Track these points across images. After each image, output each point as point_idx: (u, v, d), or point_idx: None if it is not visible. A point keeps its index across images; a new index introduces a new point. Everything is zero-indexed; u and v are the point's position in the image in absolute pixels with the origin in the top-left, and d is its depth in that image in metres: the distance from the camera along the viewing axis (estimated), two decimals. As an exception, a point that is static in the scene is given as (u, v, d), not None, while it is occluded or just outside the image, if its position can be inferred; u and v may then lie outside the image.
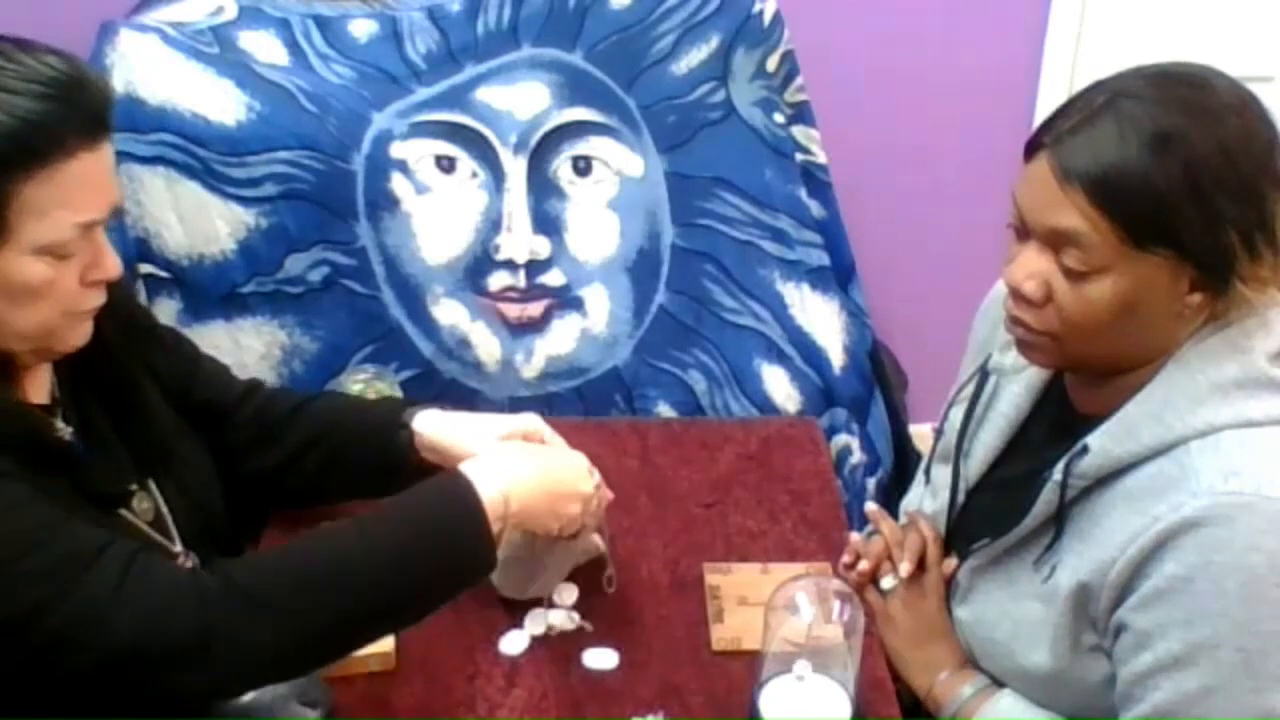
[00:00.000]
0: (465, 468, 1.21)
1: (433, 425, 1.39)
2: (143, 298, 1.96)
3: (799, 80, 2.16)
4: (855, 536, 1.45)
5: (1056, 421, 1.27)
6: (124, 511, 1.26)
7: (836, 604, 1.23)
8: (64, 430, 1.23)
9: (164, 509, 1.31)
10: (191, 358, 1.48)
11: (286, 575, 1.12)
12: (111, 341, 1.26)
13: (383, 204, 2.00)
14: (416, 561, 1.14)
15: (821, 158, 2.21)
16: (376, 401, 1.64)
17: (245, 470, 1.45)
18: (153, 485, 1.31)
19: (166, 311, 1.98)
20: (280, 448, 1.45)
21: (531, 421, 1.39)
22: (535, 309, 2.07)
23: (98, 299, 1.18)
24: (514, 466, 1.24)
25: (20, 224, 1.08)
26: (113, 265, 1.17)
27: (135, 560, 1.09)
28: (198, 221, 1.96)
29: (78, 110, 1.10)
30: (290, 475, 1.46)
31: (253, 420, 1.47)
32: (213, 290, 1.99)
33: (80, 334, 1.20)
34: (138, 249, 1.96)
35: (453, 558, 1.17)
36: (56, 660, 1.05)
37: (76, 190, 1.10)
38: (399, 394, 1.69)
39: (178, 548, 1.31)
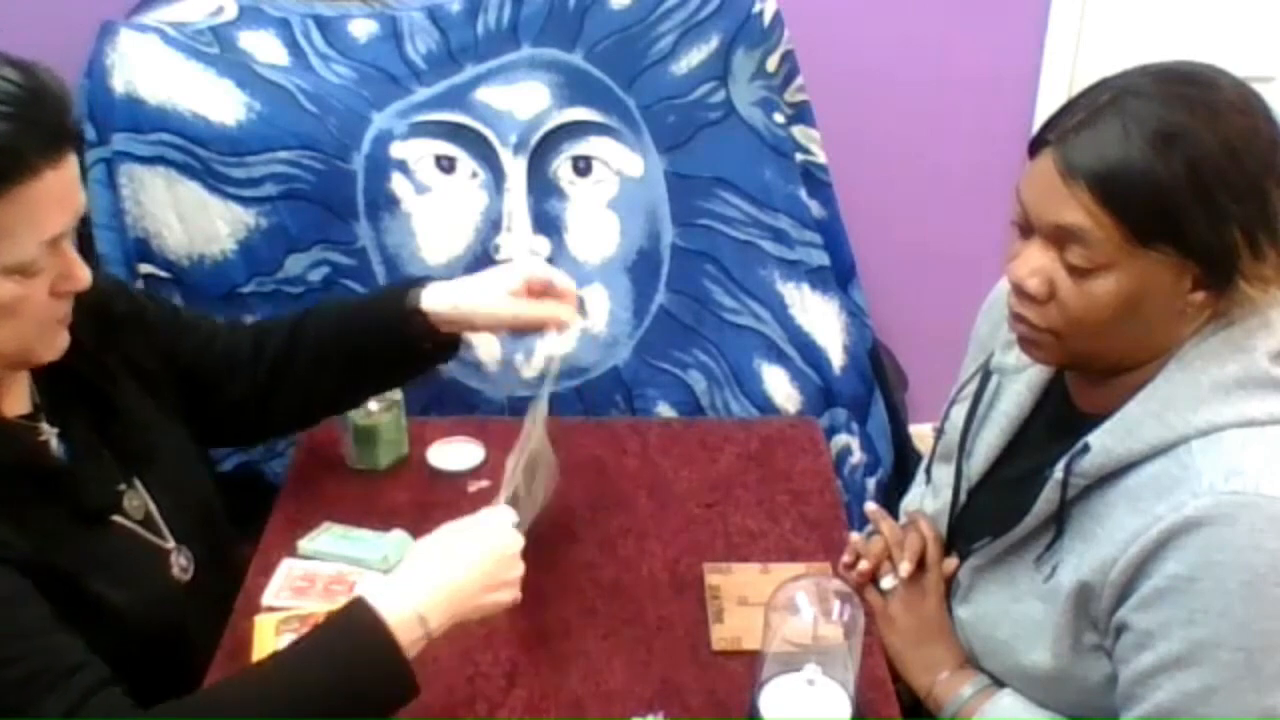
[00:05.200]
0: (371, 598, 1.13)
1: (444, 299, 1.41)
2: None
3: (799, 80, 2.16)
4: (855, 536, 1.45)
5: (1058, 420, 1.27)
6: (116, 517, 1.26)
7: (836, 604, 1.23)
8: (49, 434, 1.23)
9: (152, 507, 1.31)
10: (171, 321, 1.45)
11: None
12: (86, 343, 1.25)
13: (383, 204, 2.00)
14: (336, 702, 1.11)
15: (821, 158, 2.21)
16: (373, 297, 1.64)
17: (271, 406, 1.46)
18: (139, 483, 1.31)
19: (166, 311, 1.98)
20: (294, 375, 1.45)
21: (532, 266, 1.40)
22: (535, 309, 2.06)
23: (66, 308, 1.17)
24: (425, 582, 1.16)
25: None
26: (82, 276, 1.16)
27: (97, 693, 1.07)
28: (198, 221, 1.96)
29: (38, 127, 1.07)
30: (313, 393, 1.47)
31: (253, 361, 1.46)
32: (213, 290, 1.98)
33: (57, 344, 1.19)
34: (138, 249, 1.96)
35: (373, 690, 1.12)
36: None
37: (42, 208, 1.08)
38: (399, 398, 1.67)
39: (170, 544, 1.31)
